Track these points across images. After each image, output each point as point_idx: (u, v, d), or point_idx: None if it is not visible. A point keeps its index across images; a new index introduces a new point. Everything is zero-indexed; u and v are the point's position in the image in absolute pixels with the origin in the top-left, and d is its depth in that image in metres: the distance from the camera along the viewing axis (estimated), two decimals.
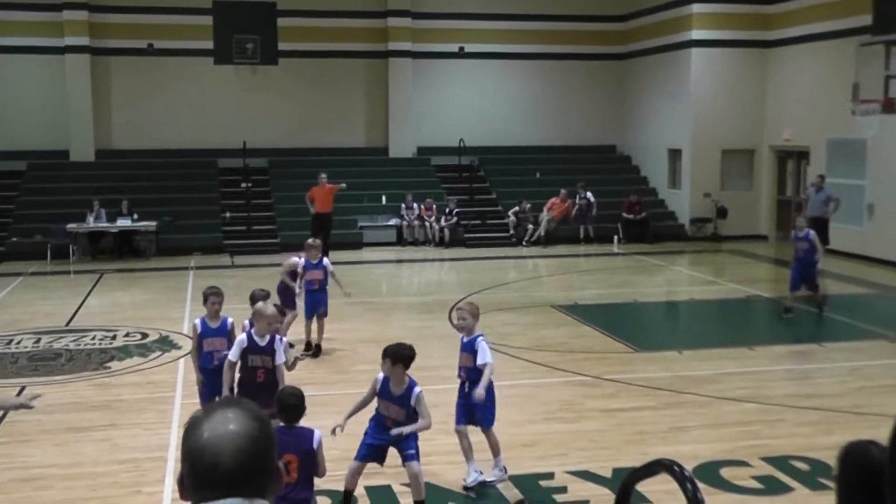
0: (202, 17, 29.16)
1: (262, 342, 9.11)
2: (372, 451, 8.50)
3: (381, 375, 8.48)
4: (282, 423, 7.06)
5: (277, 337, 9.28)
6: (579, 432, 11.02)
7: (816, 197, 23.33)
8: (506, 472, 9.54)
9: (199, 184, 29.76)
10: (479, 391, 9.03)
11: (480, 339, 9.35)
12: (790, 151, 28.74)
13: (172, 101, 30.51)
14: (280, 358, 9.16)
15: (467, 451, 9.35)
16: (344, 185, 25.98)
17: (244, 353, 9.11)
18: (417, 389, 8.38)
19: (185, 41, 30.12)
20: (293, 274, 14.95)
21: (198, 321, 10.16)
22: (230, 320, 10.19)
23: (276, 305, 10.52)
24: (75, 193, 27.76)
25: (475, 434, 9.45)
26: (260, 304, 9.42)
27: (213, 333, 10.06)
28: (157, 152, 30.24)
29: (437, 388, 10.44)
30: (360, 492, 8.91)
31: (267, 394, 8.19)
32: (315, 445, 7.00)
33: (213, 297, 10.15)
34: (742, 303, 20.36)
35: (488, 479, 9.40)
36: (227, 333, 10.01)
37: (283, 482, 2.50)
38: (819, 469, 9.55)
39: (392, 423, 8.38)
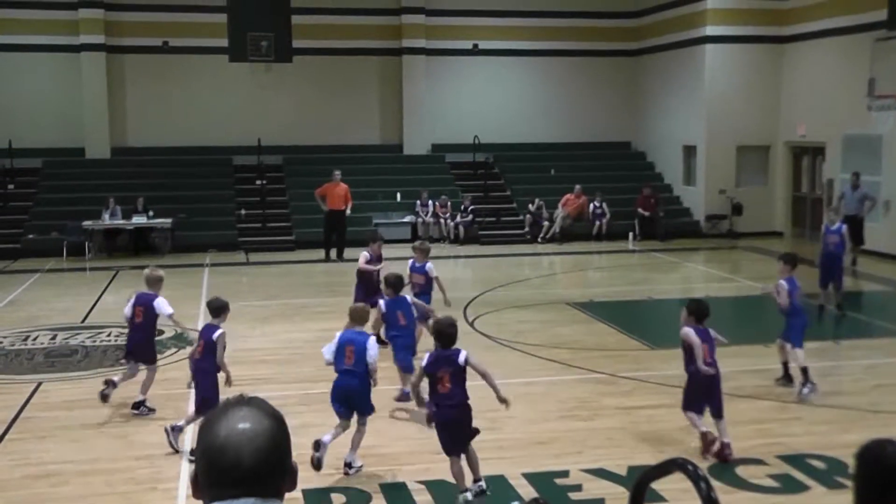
0: (217, 14, 29.30)
1: None
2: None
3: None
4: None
5: None
6: (595, 430, 11.00)
7: (853, 195, 23.10)
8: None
9: (214, 181, 29.83)
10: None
11: None
12: (805, 147, 28.63)
13: (187, 98, 30.57)
14: None
15: None
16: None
17: None
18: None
19: (200, 39, 30.17)
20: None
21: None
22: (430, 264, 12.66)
23: None
24: (91, 191, 27.86)
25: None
26: None
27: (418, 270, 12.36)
28: (172, 150, 30.30)
29: None
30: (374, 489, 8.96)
31: None
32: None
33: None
34: (757, 300, 20.28)
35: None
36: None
37: (297, 481, 2.49)
38: (836, 467, 9.51)
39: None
